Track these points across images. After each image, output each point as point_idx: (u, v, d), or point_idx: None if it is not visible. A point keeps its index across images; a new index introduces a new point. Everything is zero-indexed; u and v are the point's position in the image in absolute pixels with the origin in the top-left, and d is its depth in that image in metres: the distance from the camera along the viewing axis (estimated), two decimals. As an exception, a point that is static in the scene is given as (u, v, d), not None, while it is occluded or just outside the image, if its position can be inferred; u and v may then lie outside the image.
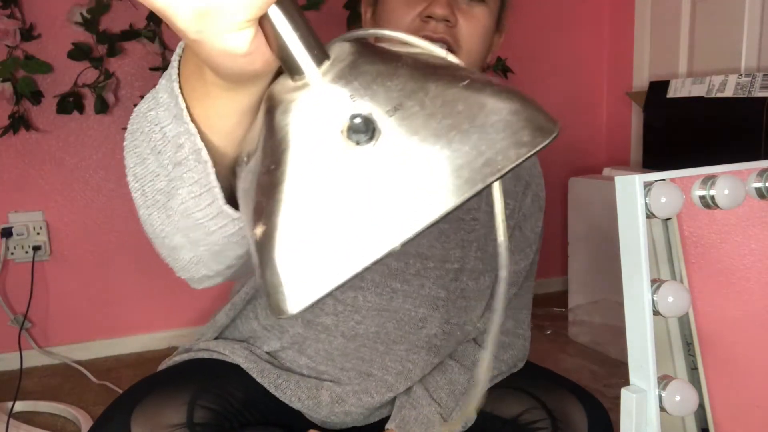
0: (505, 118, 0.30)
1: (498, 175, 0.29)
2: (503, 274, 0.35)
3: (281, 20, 0.30)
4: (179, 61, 0.42)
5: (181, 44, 0.42)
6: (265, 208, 0.30)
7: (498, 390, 0.85)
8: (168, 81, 0.42)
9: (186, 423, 0.70)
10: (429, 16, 0.70)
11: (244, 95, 0.37)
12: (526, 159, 0.29)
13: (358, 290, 0.78)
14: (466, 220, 0.83)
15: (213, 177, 0.42)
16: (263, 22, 0.30)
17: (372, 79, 0.31)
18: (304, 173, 0.30)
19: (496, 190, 0.35)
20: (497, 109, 0.30)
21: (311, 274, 0.29)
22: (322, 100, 0.31)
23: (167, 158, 0.42)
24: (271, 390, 0.81)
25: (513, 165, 0.29)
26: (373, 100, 0.30)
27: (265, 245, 0.30)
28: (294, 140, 0.31)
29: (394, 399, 0.84)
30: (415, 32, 0.71)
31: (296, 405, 0.82)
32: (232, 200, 0.43)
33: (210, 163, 0.41)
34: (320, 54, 0.32)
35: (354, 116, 0.29)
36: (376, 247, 0.28)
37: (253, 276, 0.81)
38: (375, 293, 0.78)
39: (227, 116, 0.40)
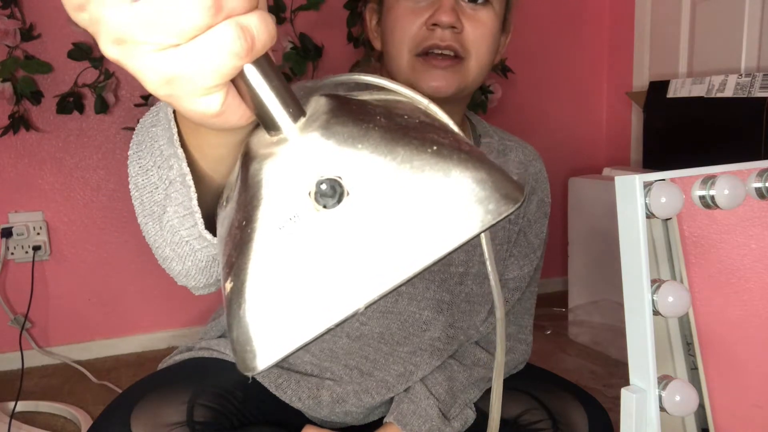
0: (470, 187, 0.30)
1: (460, 243, 0.30)
2: (499, 315, 0.37)
3: (256, 78, 0.30)
4: None
5: None
6: (234, 263, 0.31)
7: None
8: (165, 104, 0.42)
9: (186, 421, 0.70)
10: (435, 24, 0.70)
11: (231, 135, 0.38)
12: (490, 228, 0.30)
13: None
14: None
15: (194, 203, 0.43)
16: (237, 79, 0.30)
17: (343, 140, 0.31)
18: (273, 233, 0.31)
19: (485, 241, 0.38)
20: (463, 177, 0.31)
21: (277, 333, 0.29)
22: (294, 160, 0.31)
23: (164, 173, 0.44)
24: (272, 389, 0.81)
25: (474, 234, 0.30)
26: (342, 163, 0.31)
27: (233, 302, 0.30)
28: (265, 198, 0.31)
29: (392, 399, 0.84)
30: (422, 40, 0.71)
31: (296, 404, 0.82)
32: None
33: (193, 189, 0.42)
34: (296, 110, 0.32)
35: (321, 181, 0.30)
36: (341, 308, 0.29)
37: None
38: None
39: (217, 146, 0.41)
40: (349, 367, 0.82)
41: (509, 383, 0.87)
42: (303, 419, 0.83)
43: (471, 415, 0.82)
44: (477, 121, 0.88)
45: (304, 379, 0.83)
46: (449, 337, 0.83)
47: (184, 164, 0.42)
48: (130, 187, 0.48)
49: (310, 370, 0.83)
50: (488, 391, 0.85)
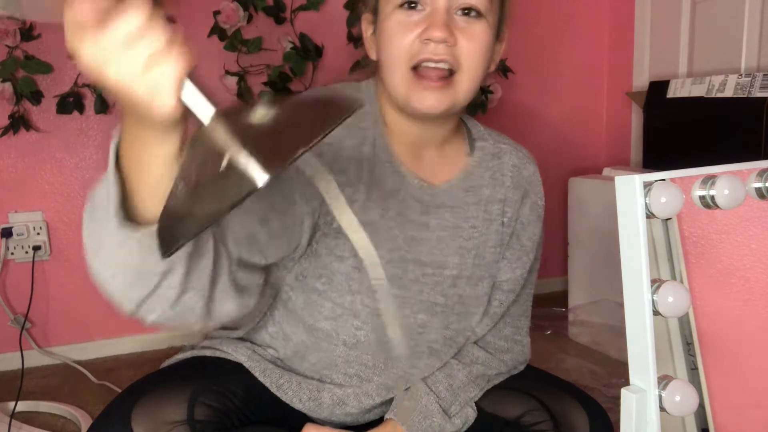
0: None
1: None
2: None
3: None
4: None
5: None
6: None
7: (499, 391, 0.86)
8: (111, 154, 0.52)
9: (186, 420, 0.70)
10: (428, 39, 0.71)
11: (167, 145, 0.48)
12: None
13: (355, 294, 0.78)
14: (464, 228, 0.83)
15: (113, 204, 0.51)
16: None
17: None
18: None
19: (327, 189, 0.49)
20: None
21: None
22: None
23: (104, 191, 0.53)
24: (273, 390, 0.81)
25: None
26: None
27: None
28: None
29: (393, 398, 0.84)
30: (415, 54, 0.72)
31: (297, 405, 0.82)
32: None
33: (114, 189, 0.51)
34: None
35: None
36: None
37: (271, 293, 0.82)
38: (372, 298, 0.78)
39: (156, 160, 0.49)
40: (348, 375, 0.82)
41: (510, 384, 0.87)
42: (304, 419, 0.83)
43: (472, 414, 0.82)
44: (473, 125, 0.89)
45: (305, 382, 0.83)
46: (446, 338, 0.84)
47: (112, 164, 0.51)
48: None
49: (310, 374, 0.83)
50: (490, 392, 0.86)
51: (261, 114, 0.43)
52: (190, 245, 0.56)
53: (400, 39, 0.73)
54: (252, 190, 0.38)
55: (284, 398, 0.81)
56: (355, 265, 0.75)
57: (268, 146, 0.40)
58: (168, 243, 0.42)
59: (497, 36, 0.78)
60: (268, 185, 0.40)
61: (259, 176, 0.38)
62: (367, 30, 0.81)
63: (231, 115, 0.43)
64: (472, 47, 0.73)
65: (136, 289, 0.56)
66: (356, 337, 0.80)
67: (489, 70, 0.79)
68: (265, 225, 0.66)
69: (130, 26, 0.41)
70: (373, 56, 0.80)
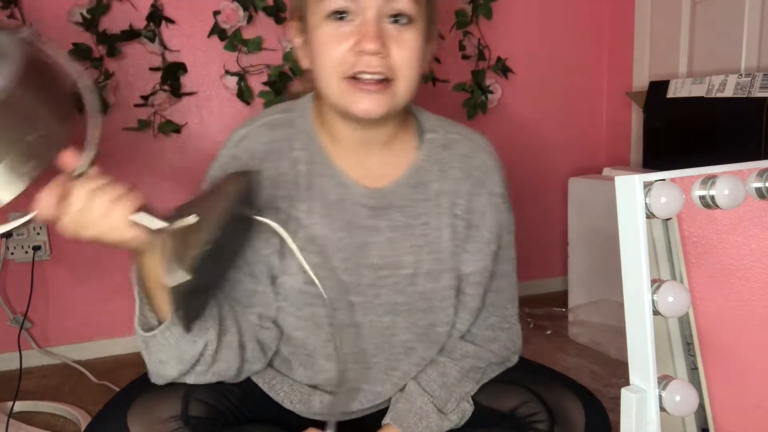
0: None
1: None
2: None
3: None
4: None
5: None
6: None
7: (495, 385, 0.86)
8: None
9: (180, 416, 0.71)
10: (362, 51, 0.70)
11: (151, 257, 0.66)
12: None
13: (315, 306, 0.78)
14: (415, 225, 0.82)
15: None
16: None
17: None
18: None
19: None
20: None
21: None
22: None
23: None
24: (265, 389, 0.83)
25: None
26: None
27: None
28: None
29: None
30: (349, 66, 0.72)
31: (288, 405, 0.83)
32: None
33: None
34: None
35: None
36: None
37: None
38: (332, 308, 0.79)
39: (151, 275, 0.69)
40: (335, 386, 0.83)
41: (505, 377, 0.87)
42: (300, 419, 0.84)
43: (468, 408, 0.82)
44: (424, 116, 0.87)
45: (296, 384, 0.84)
46: (418, 336, 0.83)
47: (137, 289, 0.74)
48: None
49: (300, 380, 0.84)
50: (486, 386, 0.86)
51: (185, 221, 0.60)
52: (217, 325, 0.73)
53: (332, 51, 0.72)
54: (182, 286, 0.57)
55: (276, 398, 0.83)
56: (306, 279, 0.76)
57: (180, 251, 0.58)
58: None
59: (428, 37, 0.78)
60: (236, 247, 0.63)
61: (180, 277, 0.57)
62: (295, 38, 0.80)
63: (172, 227, 0.61)
64: (405, 55, 0.72)
65: (179, 367, 0.74)
66: (327, 348, 0.81)
67: (424, 72, 0.79)
68: (254, 276, 0.78)
69: (81, 201, 0.61)
70: (305, 66, 0.79)
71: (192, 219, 0.60)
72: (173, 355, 0.72)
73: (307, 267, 0.72)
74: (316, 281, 0.72)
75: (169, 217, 0.62)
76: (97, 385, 1.73)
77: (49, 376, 1.80)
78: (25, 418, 1.54)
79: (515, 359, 0.90)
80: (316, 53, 0.74)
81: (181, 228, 0.60)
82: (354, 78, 0.72)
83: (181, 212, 0.62)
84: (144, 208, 0.62)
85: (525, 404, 0.80)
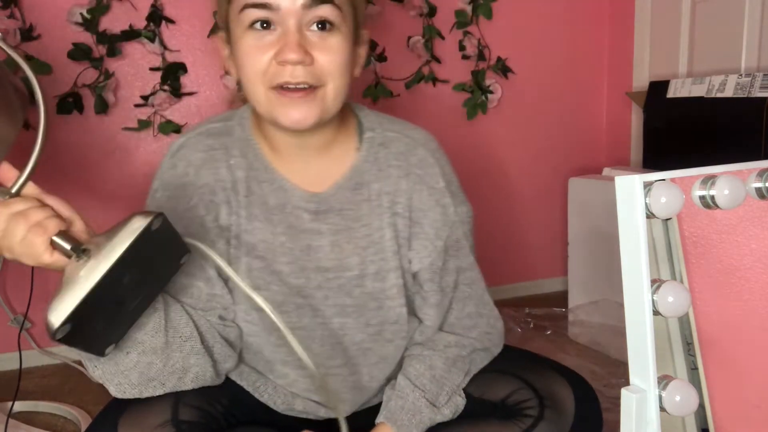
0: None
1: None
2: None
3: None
4: None
5: None
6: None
7: (485, 375, 0.86)
8: None
9: (171, 420, 0.71)
10: (284, 61, 0.69)
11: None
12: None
13: (262, 311, 0.73)
14: (356, 227, 0.82)
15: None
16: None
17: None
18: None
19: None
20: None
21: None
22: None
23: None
24: (250, 391, 0.84)
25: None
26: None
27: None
28: None
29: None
30: (273, 76, 0.71)
31: (272, 406, 0.84)
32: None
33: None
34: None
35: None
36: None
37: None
38: (280, 311, 0.78)
39: None
40: (312, 390, 0.84)
41: (495, 366, 0.87)
42: (291, 420, 0.85)
43: (461, 402, 0.82)
44: (364, 115, 0.86)
45: (280, 387, 0.85)
46: (372, 335, 0.83)
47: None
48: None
49: (281, 384, 0.85)
50: (477, 377, 0.86)
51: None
52: (167, 332, 0.72)
53: (255, 61, 0.71)
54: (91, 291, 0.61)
55: (261, 399, 0.84)
56: (252, 284, 0.76)
57: (64, 293, 0.63)
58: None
59: (356, 41, 0.77)
60: (162, 277, 0.66)
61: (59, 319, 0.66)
62: (223, 49, 0.79)
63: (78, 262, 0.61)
64: (330, 60, 0.71)
65: (150, 388, 0.73)
66: (280, 353, 0.81)
67: (355, 75, 0.78)
68: (209, 281, 0.78)
69: (1, 225, 0.61)
70: (234, 75, 0.79)
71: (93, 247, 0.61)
72: (130, 380, 0.71)
73: (239, 281, 0.68)
74: (253, 295, 0.68)
75: (86, 243, 0.62)
76: (97, 386, 1.72)
77: (49, 376, 1.80)
78: (25, 418, 1.55)
79: (499, 343, 0.90)
80: (241, 64, 0.73)
81: (73, 267, 0.60)
82: (280, 87, 0.71)
83: (91, 241, 0.62)
84: (64, 234, 0.62)
85: (516, 392, 0.81)
